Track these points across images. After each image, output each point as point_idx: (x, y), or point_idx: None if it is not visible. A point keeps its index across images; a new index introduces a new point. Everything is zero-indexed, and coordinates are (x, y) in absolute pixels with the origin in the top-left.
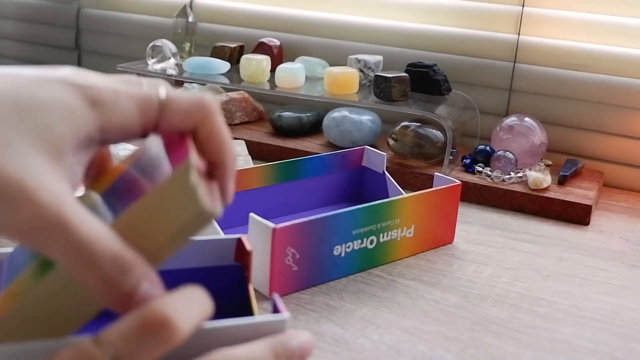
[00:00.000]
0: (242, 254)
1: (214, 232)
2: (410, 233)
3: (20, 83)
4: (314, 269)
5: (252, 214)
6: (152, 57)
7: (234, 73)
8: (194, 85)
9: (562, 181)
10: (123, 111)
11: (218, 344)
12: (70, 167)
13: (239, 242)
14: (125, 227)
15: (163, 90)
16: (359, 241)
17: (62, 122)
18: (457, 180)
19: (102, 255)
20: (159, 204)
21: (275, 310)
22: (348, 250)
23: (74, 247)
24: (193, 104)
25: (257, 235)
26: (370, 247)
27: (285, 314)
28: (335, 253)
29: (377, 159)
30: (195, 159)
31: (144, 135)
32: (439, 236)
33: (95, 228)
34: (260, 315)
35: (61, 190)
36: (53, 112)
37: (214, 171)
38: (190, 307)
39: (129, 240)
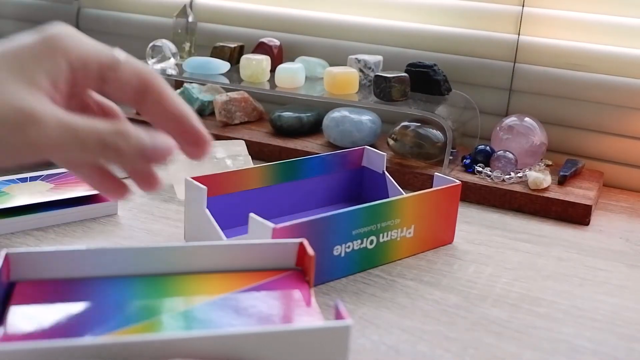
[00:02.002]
0: (303, 258)
1: (215, 234)
2: (410, 233)
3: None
4: (314, 269)
5: (252, 214)
6: (152, 57)
7: (234, 73)
8: (193, 85)
9: (562, 181)
10: (85, 50)
11: (283, 347)
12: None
13: (301, 246)
14: None
15: (121, 53)
16: (359, 241)
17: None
18: (457, 180)
19: (107, 133)
20: None
21: (338, 316)
22: (348, 250)
23: (81, 141)
24: (142, 70)
25: (257, 235)
26: (370, 247)
27: (348, 320)
28: (335, 253)
29: (377, 159)
30: None
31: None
32: (439, 236)
33: (91, 121)
34: (325, 321)
35: (53, 108)
36: (34, 63)
37: (180, 127)
38: None
39: None
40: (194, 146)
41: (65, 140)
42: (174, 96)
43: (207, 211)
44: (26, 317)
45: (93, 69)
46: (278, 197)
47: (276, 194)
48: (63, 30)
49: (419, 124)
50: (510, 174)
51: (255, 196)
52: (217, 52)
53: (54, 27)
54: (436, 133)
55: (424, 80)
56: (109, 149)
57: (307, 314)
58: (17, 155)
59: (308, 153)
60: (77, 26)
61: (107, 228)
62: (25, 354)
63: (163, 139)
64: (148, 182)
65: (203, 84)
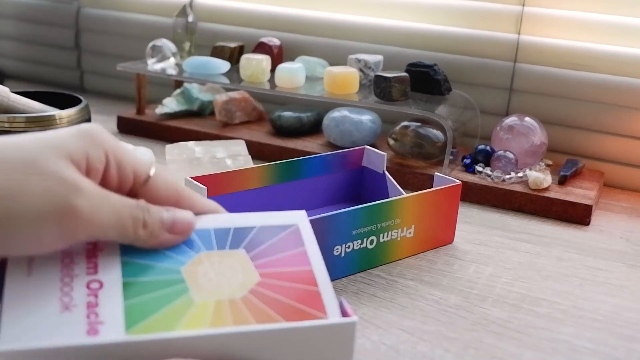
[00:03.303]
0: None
1: None
2: (410, 233)
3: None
4: None
5: None
6: (152, 57)
7: (234, 73)
8: (193, 85)
9: (562, 181)
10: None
11: (289, 345)
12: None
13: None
14: None
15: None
16: (359, 241)
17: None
18: (457, 180)
19: (134, 206)
20: None
21: (344, 313)
22: (348, 250)
23: (117, 211)
24: (171, 187)
25: None
26: (370, 247)
27: (354, 317)
28: (335, 253)
29: (377, 159)
30: None
31: None
32: (439, 236)
33: (118, 195)
34: (331, 318)
35: (90, 181)
36: (75, 145)
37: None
38: None
39: None
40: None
41: (103, 210)
42: (205, 203)
43: None
44: None
45: (127, 174)
46: (278, 196)
47: (276, 193)
48: (102, 129)
49: (419, 124)
50: (510, 174)
51: (255, 196)
52: (217, 52)
53: (93, 125)
54: (436, 133)
55: (424, 80)
56: (138, 222)
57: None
58: (52, 238)
59: (308, 153)
60: (77, 26)
61: None
62: (24, 355)
63: (183, 213)
64: None
65: (203, 84)
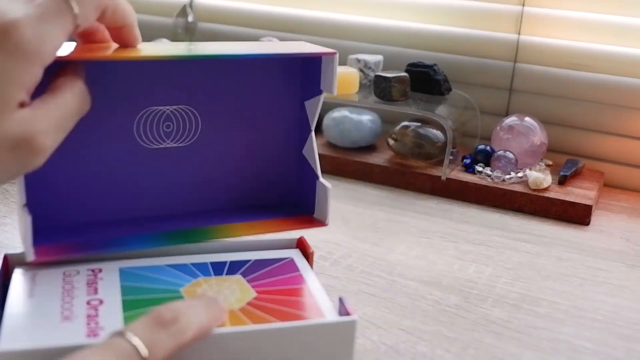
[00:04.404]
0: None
1: None
2: None
3: None
4: None
5: None
6: None
7: None
8: None
9: (562, 181)
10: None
11: (290, 344)
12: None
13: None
14: None
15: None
16: None
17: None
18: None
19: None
20: None
21: (344, 312)
22: None
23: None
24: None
25: None
26: None
27: (354, 316)
28: None
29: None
30: None
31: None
32: None
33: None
34: (331, 317)
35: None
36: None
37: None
38: (199, 312)
39: None
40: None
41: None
42: (126, 9)
43: None
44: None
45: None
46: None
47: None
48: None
49: (419, 124)
50: (510, 174)
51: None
52: None
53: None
54: (436, 133)
55: (424, 80)
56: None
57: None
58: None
59: None
60: None
61: None
62: (24, 355)
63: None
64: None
65: None
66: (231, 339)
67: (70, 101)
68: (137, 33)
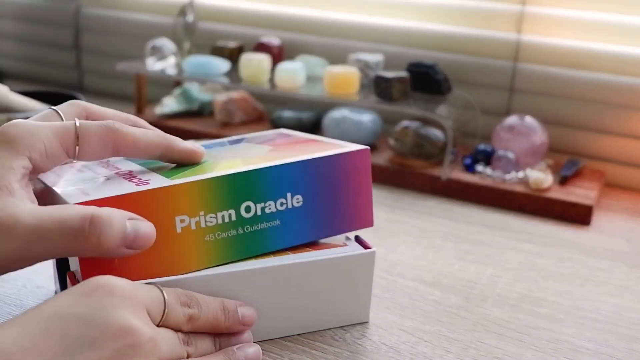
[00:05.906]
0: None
1: None
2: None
3: None
4: None
5: None
6: (152, 57)
7: (233, 72)
8: (193, 85)
9: (563, 181)
10: (42, 141)
11: (316, 274)
12: (21, 191)
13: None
14: None
15: (77, 121)
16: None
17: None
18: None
19: (70, 217)
20: None
21: (363, 246)
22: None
23: (47, 232)
24: (104, 130)
25: None
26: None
27: (373, 249)
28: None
29: None
30: None
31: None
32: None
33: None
34: (353, 250)
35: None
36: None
37: (168, 153)
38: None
39: None
40: (190, 162)
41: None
42: (145, 134)
43: None
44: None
45: (59, 158)
46: None
47: None
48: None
49: (419, 124)
50: (511, 174)
51: None
52: (217, 52)
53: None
54: (437, 133)
55: (424, 80)
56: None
57: None
58: None
59: None
60: (77, 25)
61: None
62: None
63: (145, 225)
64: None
65: (203, 84)
66: (257, 275)
67: (60, 234)
68: (173, 155)
